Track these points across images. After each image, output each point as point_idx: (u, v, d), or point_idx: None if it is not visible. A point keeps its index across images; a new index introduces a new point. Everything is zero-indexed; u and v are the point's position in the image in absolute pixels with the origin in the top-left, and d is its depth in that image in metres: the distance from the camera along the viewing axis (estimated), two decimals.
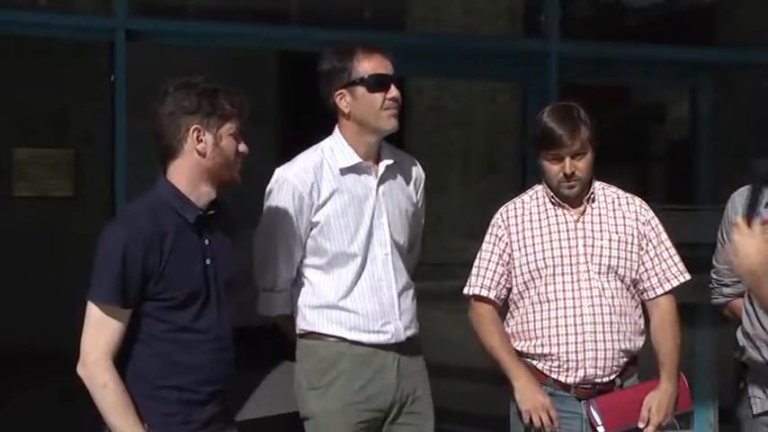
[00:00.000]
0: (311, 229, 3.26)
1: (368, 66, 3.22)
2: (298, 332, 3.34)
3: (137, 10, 5.07)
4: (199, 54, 5.07)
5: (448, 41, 6.02)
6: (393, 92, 3.25)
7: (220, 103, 2.83)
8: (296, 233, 3.25)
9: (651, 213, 3.43)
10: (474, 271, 3.43)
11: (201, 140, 2.83)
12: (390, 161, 3.33)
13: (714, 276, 3.60)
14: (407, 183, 3.43)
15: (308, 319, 3.30)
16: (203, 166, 2.85)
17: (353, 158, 3.27)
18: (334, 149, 3.29)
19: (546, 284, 3.33)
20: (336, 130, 3.32)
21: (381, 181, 3.32)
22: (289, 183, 3.24)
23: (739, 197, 3.45)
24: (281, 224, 3.24)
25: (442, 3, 6.93)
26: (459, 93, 7.10)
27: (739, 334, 3.43)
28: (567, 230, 3.35)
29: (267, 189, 3.29)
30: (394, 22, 6.65)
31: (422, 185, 3.51)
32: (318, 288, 3.29)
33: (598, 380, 3.30)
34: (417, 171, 3.49)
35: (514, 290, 3.39)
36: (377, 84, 3.22)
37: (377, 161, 3.32)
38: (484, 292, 3.40)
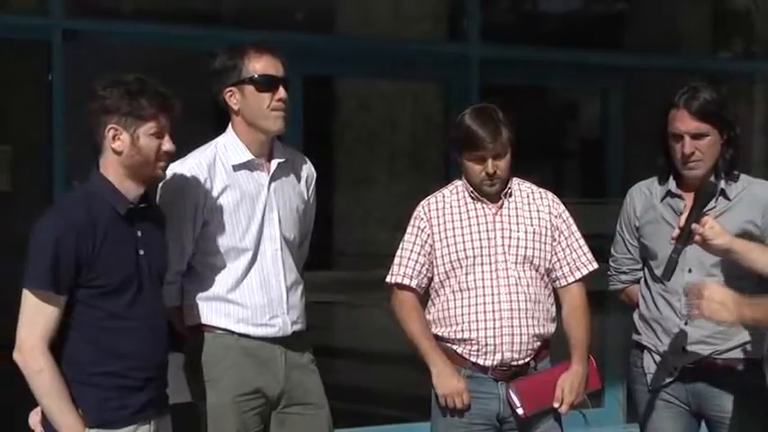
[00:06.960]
0: (203, 225, 3.25)
1: (258, 65, 3.23)
2: (188, 324, 3.33)
3: (73, 10, 5.15)
4: (142, 52, 5.13)
5: (374, 44, 6.09)
6: (281, 93, 3.24)
7: (140, 103, 2.84)
8: (188, 228, 3.24)
9: (562, 207, 3.55)
10: (396, 260, 3.50)
11: (118, 140, 2.87)
12: (282, 159, 3.35)
13: (613, 265, 3.72)
14: (299, 180, 3.44)
15: (198, 311, 3.29)
16: (122, 164, 2.89)
17: (245, 155, 3.28)
18: (227, 146, 3.29)
19: (466, 273, 3.41)
20: (229, 126, 3.33)
21: (273, 178, 3.33)
22: (182, 178, 3.23)
23: (637, 191, 3.61)
24: (173, 219, 3.20)
25: (370, 5, 7.07)
26: (385, 92, 7.25)
27: (636, 317, 3.63)
28: (486, 223, 3.45)
29: (161, 184, 3.23)
30: (322, 24, 6.76)
31: (313, 183, 3.53)
32: (208, 281, 3.28)
33: (514, 362, 3.41)
34: (309, 169, 3.51)
35: (436, 279, 3.47)
36: (265, 84, 3.22)
37: (269, 159, 3.33)
38: (406, 281, 3.47)
